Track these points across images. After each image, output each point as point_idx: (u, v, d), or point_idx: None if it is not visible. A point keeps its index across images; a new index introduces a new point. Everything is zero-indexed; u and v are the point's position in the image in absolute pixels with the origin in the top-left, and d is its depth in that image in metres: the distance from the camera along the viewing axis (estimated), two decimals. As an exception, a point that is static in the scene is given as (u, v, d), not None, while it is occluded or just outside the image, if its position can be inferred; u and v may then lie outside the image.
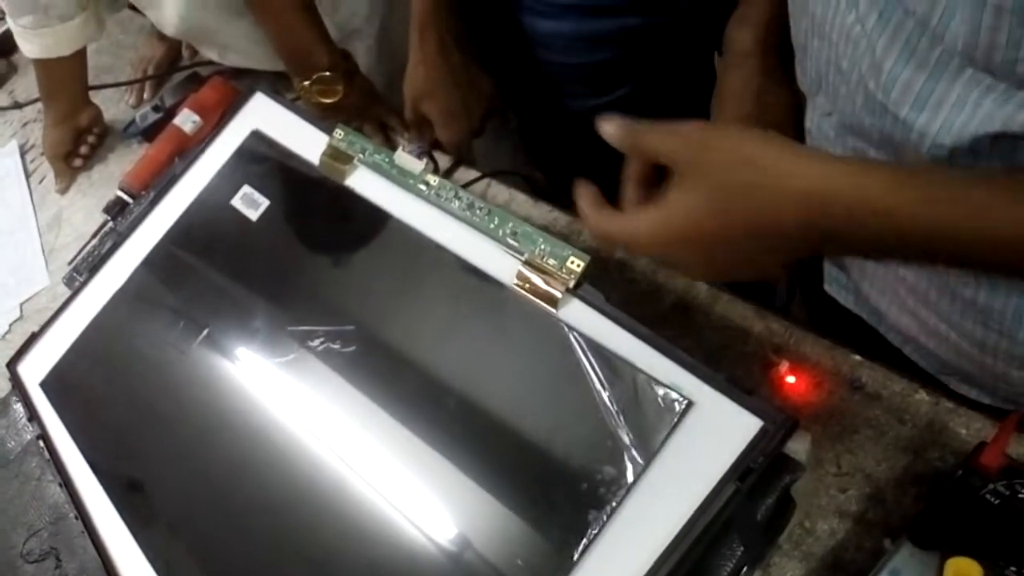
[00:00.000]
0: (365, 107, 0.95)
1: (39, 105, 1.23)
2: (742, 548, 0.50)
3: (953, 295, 0.55)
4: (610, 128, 0.49)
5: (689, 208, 0.45)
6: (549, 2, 0.89)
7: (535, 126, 1.11)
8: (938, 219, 0.39)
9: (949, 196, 0.39)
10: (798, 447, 0.53)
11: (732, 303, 0.67)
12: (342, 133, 0.72)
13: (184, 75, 1.18)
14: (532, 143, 1.14)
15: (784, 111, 0.65)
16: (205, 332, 0.71)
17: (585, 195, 0.51)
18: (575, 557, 0.47)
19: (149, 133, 1.12)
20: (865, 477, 0.57)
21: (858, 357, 0.62)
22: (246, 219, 0.75)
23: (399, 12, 1.09)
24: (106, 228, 1.01)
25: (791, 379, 0.62)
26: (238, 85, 1.06)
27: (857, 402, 0.60)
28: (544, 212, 0.80)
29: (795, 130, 0.65)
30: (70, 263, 1.00)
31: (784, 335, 0.65)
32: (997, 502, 0.50)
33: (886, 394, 0.60)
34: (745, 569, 0.51)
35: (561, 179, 0.74)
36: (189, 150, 0.89)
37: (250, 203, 0.75)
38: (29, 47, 1.04)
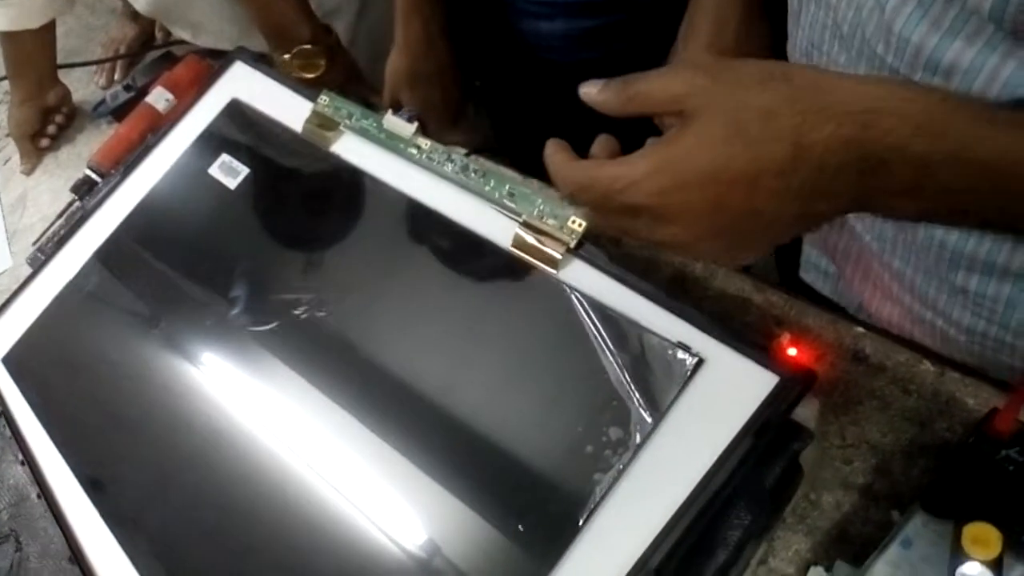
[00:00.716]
0: (346, 84, 0.92)
1: (5, 86, 1.18)
2: (750, 517, 0.48)
3: (941, 282, 0.54)
4: (595, 90, 0.43)
5: (705, 140, 0.37)
6: (539, 1, 0.87)
7: (516, 123, 1.09)
8: (1001, 142, 0.34)
9: (1011, 118, 0.35)
10: (806, 413, 0.51)
11: (729, 276, 0.65)
12: (327, 99, 0.69)
13: (157, 55, 1.14)
14: (509, 141, 1.11)
15: (765, 45, 0.61)
16: (178, 304, 0.68)
17: (558, 147, 0.45)
18: (580, 522, 0.44)
19: (119, 113, 1.08)
20: (871, 449, 0.56)
21: (861, 328, 0.60)
22: (224, 187, 0.72)
23: (380, -6, 1.07)
24: (73, 207, 0.97)
25: (792, 351, 0.60)
26: (214, 63, 1.03)
27: (861, 373, 0.58)
28: (534, 189, 0.78)
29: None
30: (34, 243, 0.96)
31: (784, 307, 0.63)
32: (1012, 468, 0.48)
33: (890, 365, 0.58)
34: (752, 540, 0.49)
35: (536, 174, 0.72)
36: (162, 126, 0.86)
37: (228, 171, 0.72)
38: (-5, 19, 1.00)
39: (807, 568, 0.52)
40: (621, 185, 0.40)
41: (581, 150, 0.46)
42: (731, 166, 0.37)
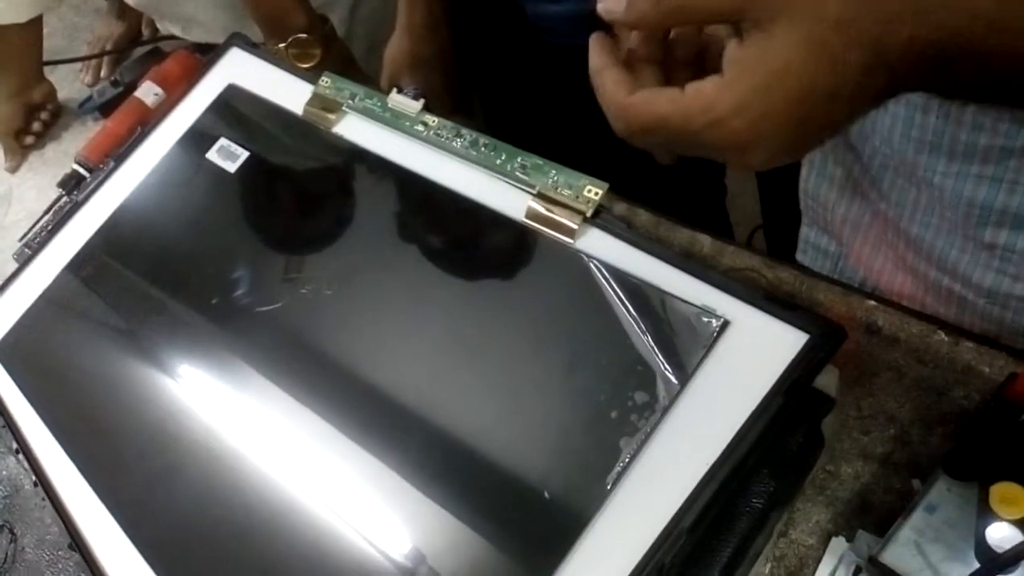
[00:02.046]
0: (342, 73, 0.91)
1: (-11, 84, 1.17)
2: (774, 484, 0.48)
3: (966, 241, 0.54)
4: (620, 6, 0.38)
5: (790, 60, 0.34)
6: None
7: (510, 109, 1.08)
8: None
9: None
10: (827, 381, 0.51)
11: (739, 253, 0.65)
12: (329, 80, 0.69)
13: (144, 51, 1.13)
14: (501, 127, 1.11)
15: None
16: (176, 289, 0.66)
17: (606, 62, 0.40)
18: (609, 486, 0.44)
19: (107, 108, 1.07)
20: (888, 419, 0.55)
21: (873, 301, 0.60)
22: (223, 171, 0.70)
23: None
24: (61, 202, 0.95)
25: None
26: (204, 59, 1.01)
27: (875, 345, 0.58)
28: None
29: None
30: (21, 239, 0.94)
31: (794, 283, 0.63)
32: (1035, 429, 0.48)
33: (904, 336, 0.58)
34: (776, 508, 0.48)
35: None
36: (153, 118, 0.85)
37: (227, 155, 0.71)
38: (-19, 13, 0.99)
39: (828, 539, 0.52)
40: (700, 124, 0.36)
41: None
42: (818, 83, 0.34)
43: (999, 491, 0.45)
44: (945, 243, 0.56)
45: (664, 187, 0.96)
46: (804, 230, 0.70)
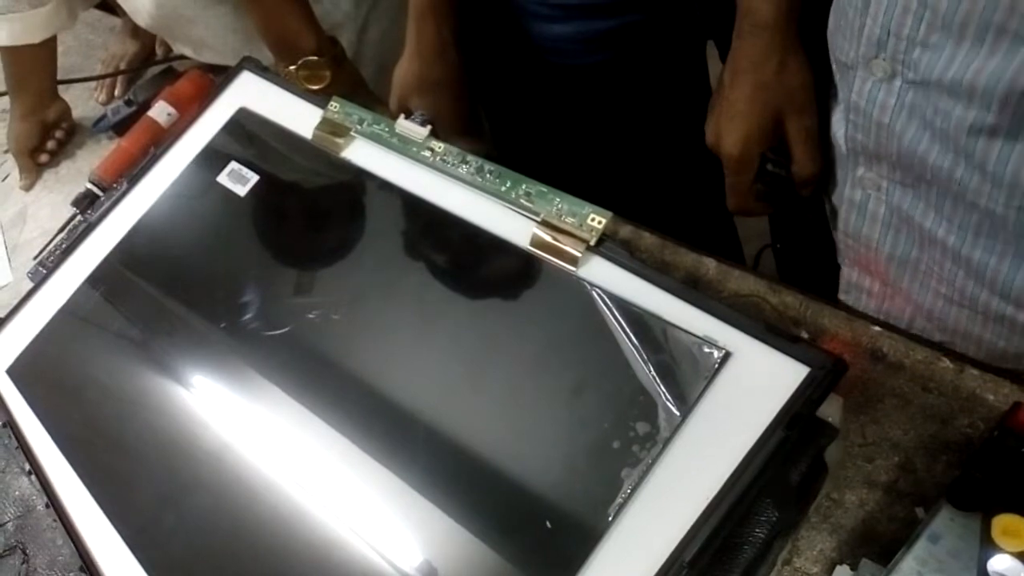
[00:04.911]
0: (351, 95, 0.92)
1: (4, 102, 1.18)
2: (777, 514, 0.48)
3: None
4: None
5: None
6: (553, 4, 0.87)
7: (518, 130, 1.09)
8: None
9: None
10: (831, 410, 0.51)
11: (744, 277, 0.65)
12: (338, 105, 0.70)
13: (158, 70, 1.14)
14: (509, 149, 1.11)
15: (804, 82, 0.63)
16: (187, 312, 0.67)
17: None
18: (611, 517, 0.44)
19: (120, 127, 1.08)
20: (892, 446, 0.55)
21: (878, 328, 0.60)
22: (234, 195, 0.71)
23: (383, 7, 1.07)
24: (75, 221, 0.96)
25: (813, 349, 0.60)
26: (216, 79, 1.03)
27: (879, 372, 0.58)
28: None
29: (814, 105, 0.64)
30: (35, 258, 0.95)
31: (799, 308, 0.63)
32: (1038, 460, 0.48)
33: (908, 363, 0.58)
34: (779, 537, 0.49)
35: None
36: (166, 138, 0.86)
37: (238, 179, 0.72)
38: (-2, 34, 1.00)
39: (832, 567, 0.52)
40: None
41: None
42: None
43: (1001, 523, 0.45)
44: (1011, 267, 0.55)
45: (673, 204, 0.96)
46: (845, 271, 0.70)
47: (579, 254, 0.53)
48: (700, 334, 0.47)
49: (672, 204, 0.97)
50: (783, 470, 0.46)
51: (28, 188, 1.11)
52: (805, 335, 0.60)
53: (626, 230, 0.71)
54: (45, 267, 0.85)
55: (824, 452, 0.50)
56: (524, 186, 0.57)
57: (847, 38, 0.55)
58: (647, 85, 0.93)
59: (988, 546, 0.45)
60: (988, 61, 0.46)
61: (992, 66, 0.46)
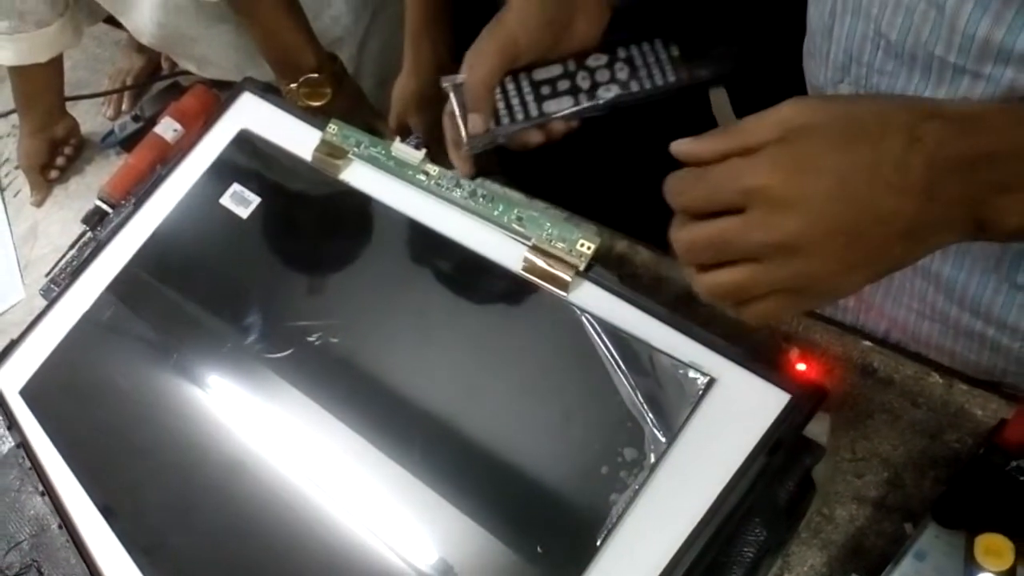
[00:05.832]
0: (353, 111, 0.94)
1: (13, 119, 1.20)
2: (765, 533, 0.49)
3: (1000, 283, 0.54)
4: (690, 145, 0.43)
5: (823, 138, 0.38)
6: None
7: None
8: None
9: None
10: (818, 429, 0.52)
11: (737, 293, 0.66)
12: (336, 127, 0.71)
13: (164, 85, 1.16)
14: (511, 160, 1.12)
15: None
16: (193, 334, 0.69)
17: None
18: (599, 543, 0.45)
19: (128, 143, 1.09)
20: (882, 462, 0.56)
21: (868, 343, 0.61)
22: (236, 217, 0.73)
23: (382, 21, 1.08)
24: (85, 238, 0.98)
25: (802, 366, 0.60)
26: (221, 94, 1.04)
27: (870, 387, 0.59)
28: (541, 210, 0.78)
29: None
30: (47, 275, 0.97)
31: (791, 323, 0.64)
32: (1022, 478, 0.49)
33: (898, 378, 0.59)
34: (768, 556, 0.50)
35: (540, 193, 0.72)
36: (172, 156, 0.87)
37: (240, 201, 0.73)
38: (5, 54, 1.02)
39: (822, 582, 0.53)
40: (735, 171, 0.39)
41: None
42: (853, 155, 0.37)
43: (984, 542, 0.46)
44: (979, 285, 0.56)
45: (671, 218, 0.97)
46: None
47: (569, 279, 0.54)
48: (686, 360, 0.48)
49: (669, 218, 0.97)
50: (769, 491, 0.47)
51: (39, 204, 1.12)
52: (796, 350, 0.60)
53: (622, 245, 0.72)
54: (57, 284, 0.86)
55: (812, 471, 0.51)
56: (516, 211, 0.58)
57: (817, 63, 0.56)
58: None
59: (972, 565, 0.46)
60: (937, 90, 0.47)
61: (940, 95, 0.48)
